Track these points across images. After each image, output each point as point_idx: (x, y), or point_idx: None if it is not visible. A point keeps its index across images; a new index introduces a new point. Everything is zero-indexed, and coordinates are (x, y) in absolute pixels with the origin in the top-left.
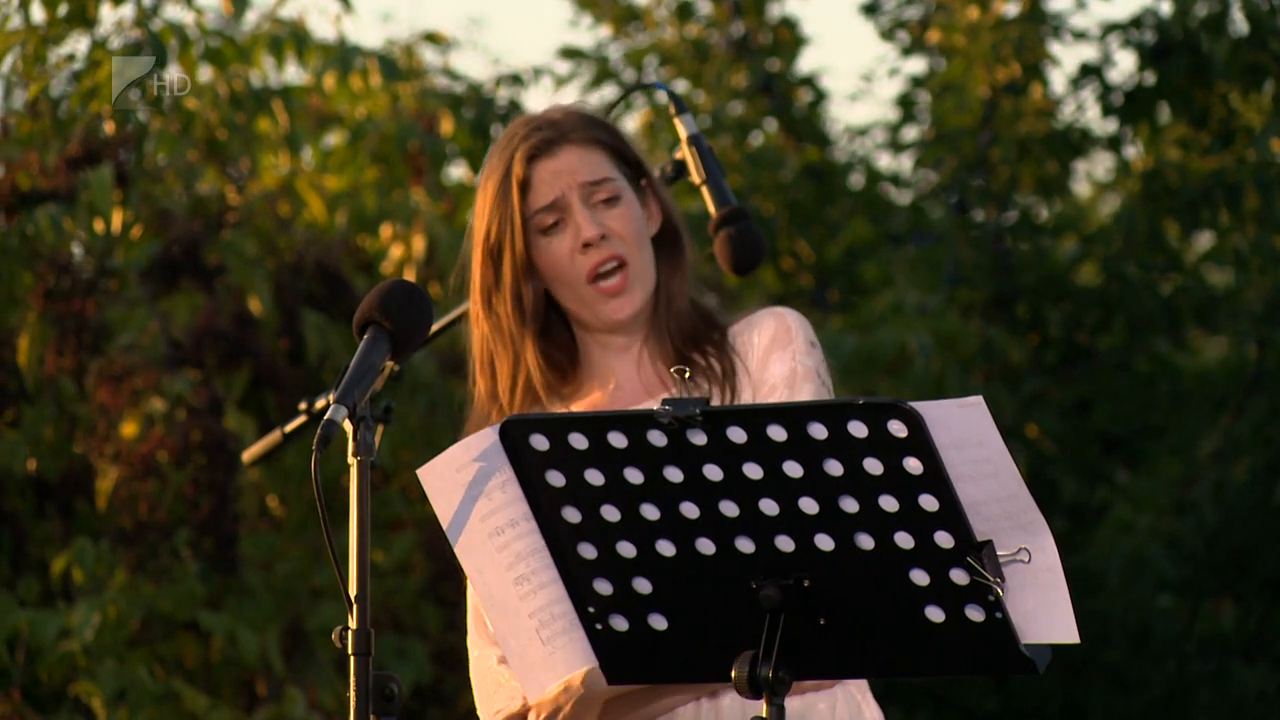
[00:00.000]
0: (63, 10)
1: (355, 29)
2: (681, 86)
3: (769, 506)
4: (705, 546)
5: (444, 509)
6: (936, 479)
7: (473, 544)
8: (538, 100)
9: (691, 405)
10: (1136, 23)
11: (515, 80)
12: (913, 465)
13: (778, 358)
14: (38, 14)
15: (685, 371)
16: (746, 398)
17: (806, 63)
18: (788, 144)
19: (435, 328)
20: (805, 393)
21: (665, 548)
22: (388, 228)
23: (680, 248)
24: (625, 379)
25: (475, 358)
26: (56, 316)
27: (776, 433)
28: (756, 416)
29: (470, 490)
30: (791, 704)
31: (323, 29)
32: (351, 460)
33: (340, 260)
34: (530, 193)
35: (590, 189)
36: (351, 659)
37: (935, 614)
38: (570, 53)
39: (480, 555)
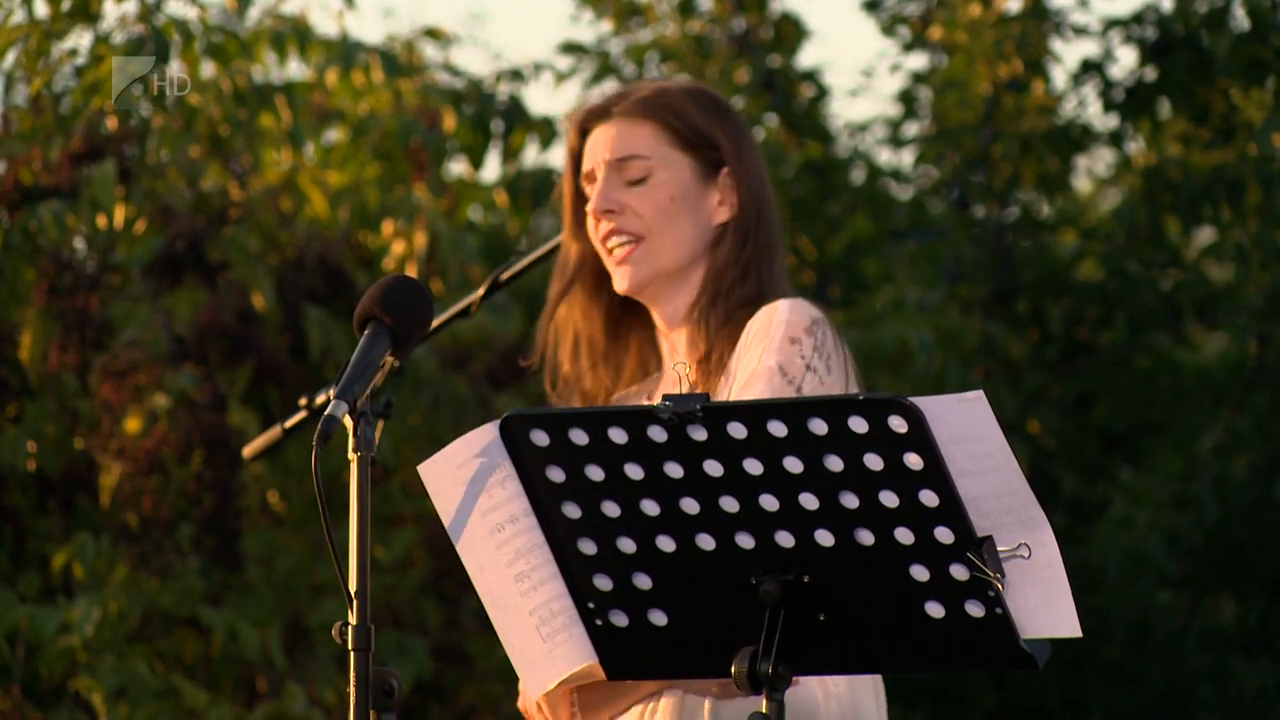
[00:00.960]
0: (66, 5)
1: (357, 25)
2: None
3: (769, 502)
4: (705, 542)
5: (445, 506)
6: (937, 474)
7: (473, 541)
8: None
9: (692, 401)
10: (1138, 19)
11: (516, 76)
12: (913, 460)
13: (751, 355)
14: (41, 9)
15: (686, 367)
16: (724, 395)
17: (808, 58)
18: (789, 140)
19: (436, 323)
20: (754, 392)
21: (665, 543)
22: (389, 224)
23: (749, 240)
24: (668, 357)
25: (549, 325)
26: (59, 312)
27: (777, 428)
28: (757, 412)
29: (471, 487)
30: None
31: (325, 25)
32: (352, 456)
33: (342, 256)
34: (580, 162)
35: (619, 164)
36: (352, 655)
37: (935, 609)
38: (571, 48)
39: (480, 552)
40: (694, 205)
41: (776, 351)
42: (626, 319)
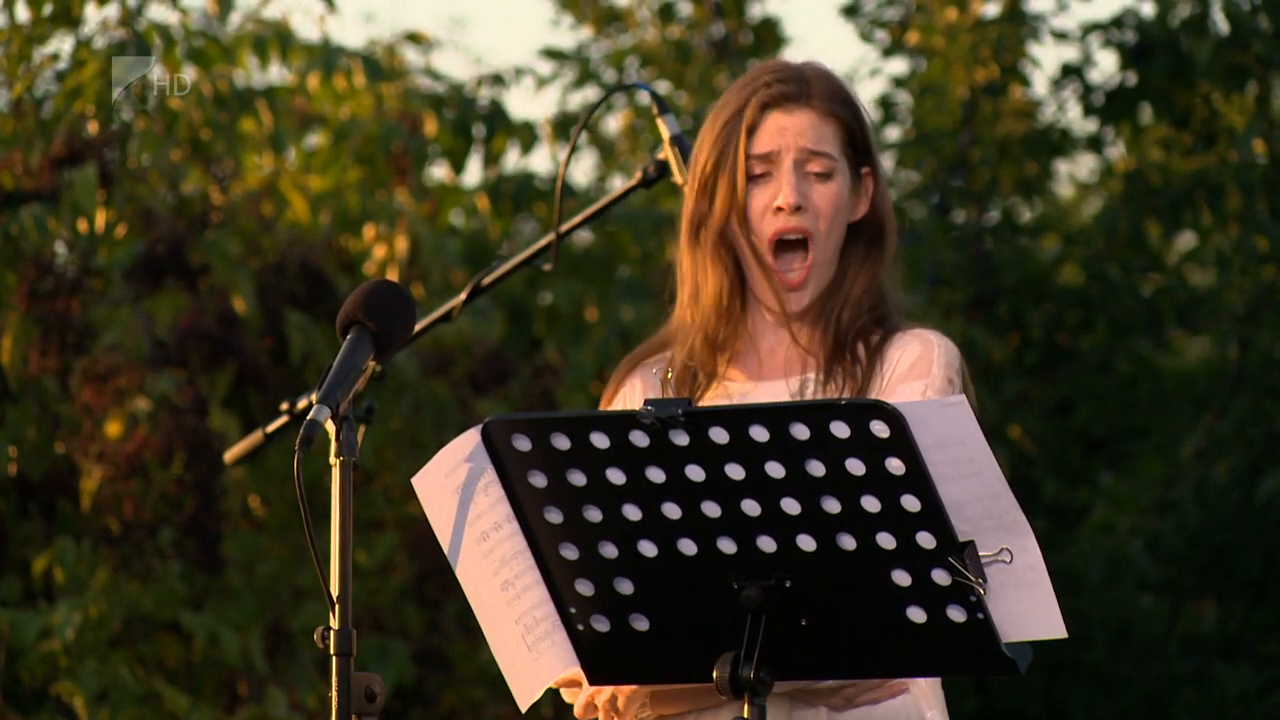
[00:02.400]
0: (47, 10)
1: (339, 29)
2: (663, 87)
3: (751, 507)
4: (687, 547)
5: (437, 518)
6: (918, 479)
7: (463, 554)
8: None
9: (673, 406)
10: (1117, 23)
11: (497, 80)
12: (895, 465)
13: (908, 388)
14: (22, 13)
15: (667, 372)
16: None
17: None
18: None
19: (418, 328)
20: None
21: (647, 548)
22: (371, 228)
23: (879, 243)
24: (773, 347)
25: (687, 289)
26: (40, 316)
27: (759, 433)
28: (738, 417)
29: (459, 496)
30: (851, 715)
31: (306, 29)
32: (334, 460)
33: (323, 260)
34: (754, 138)
35: (808, 155)
36: (333, 659)
37: (917, 614)
38: (552, 53)
39: (469, 564)
40: (847, 207)
41: (939, 392)
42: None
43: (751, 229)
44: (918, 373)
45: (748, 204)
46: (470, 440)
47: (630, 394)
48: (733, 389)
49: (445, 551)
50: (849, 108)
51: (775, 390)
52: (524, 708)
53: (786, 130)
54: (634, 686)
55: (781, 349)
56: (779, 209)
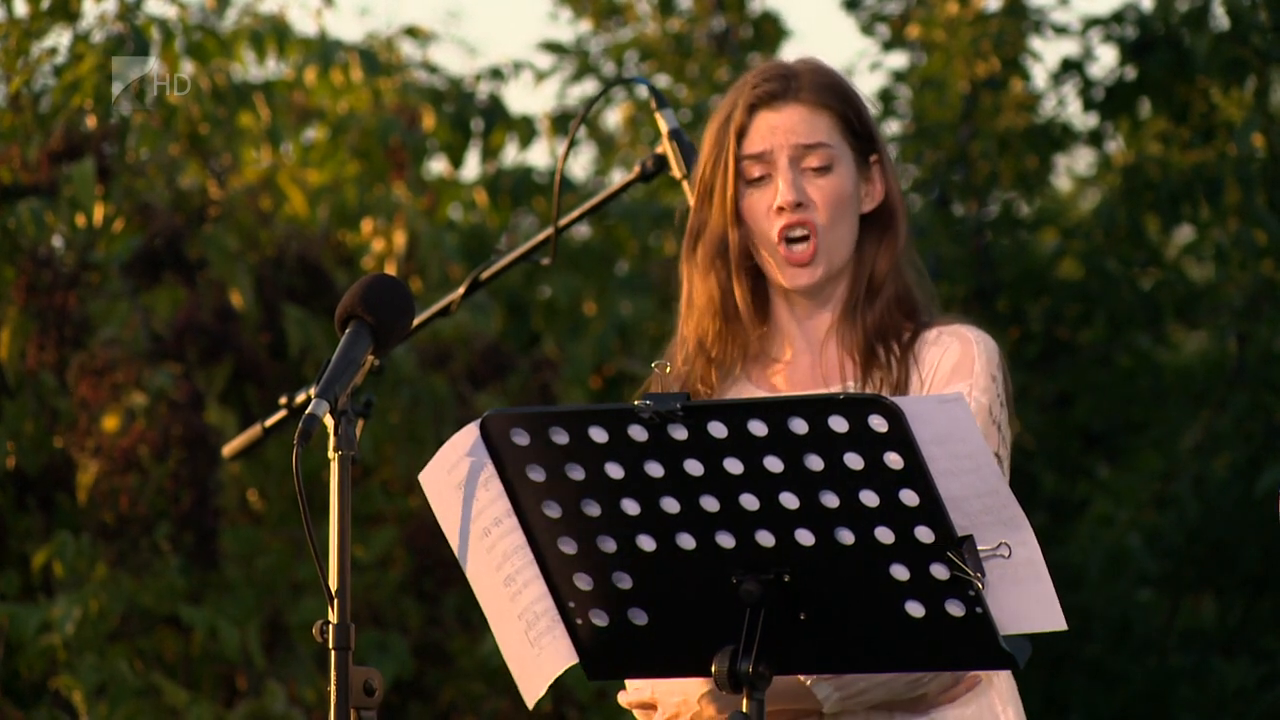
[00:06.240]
0: (45, 4)
1: (336, 23)
2: (663, 81)
3: (749, 501)
4: (685, 541)
5: (444, 515)
6: (917, 474)
7: (469, 551)
8: (519, 95)
9: (672, 400)
10: (1118, 17)
11: (496, 74)
12: (893, 460)
13: (954, 387)
14: (20, 7)
15: (667, 367)
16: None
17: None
18: None
19: (416, 322)
20: None
21: (646, 543)
22: (369, 222)
23: (894, 230)
24: (803, 353)
25: (683, 299)
26: (38, 310)
27: (757, 428)
28: (737, 411)
29: (462, 492)
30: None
31: (304, 23)
32: (332, 455)
33: (321, 255)
34: (744, 140)
35: (802, 151)
36: (332, 653)
37: (915, 609)
38: (551, 47)
39: (475, 560)
40: (856, 198)
41: (984, 391)
42: (755, 293)
43: (756, 233)
44: (961, 374)
45: (748, 208)
46: (469, 435)
47: None
48: None
49: (455, 552)
50: (842, 97)
51: None
52: (530, 704)
53: (777, 129)
54: (712, 712)
55: (815, 354)
56: (780, 209)
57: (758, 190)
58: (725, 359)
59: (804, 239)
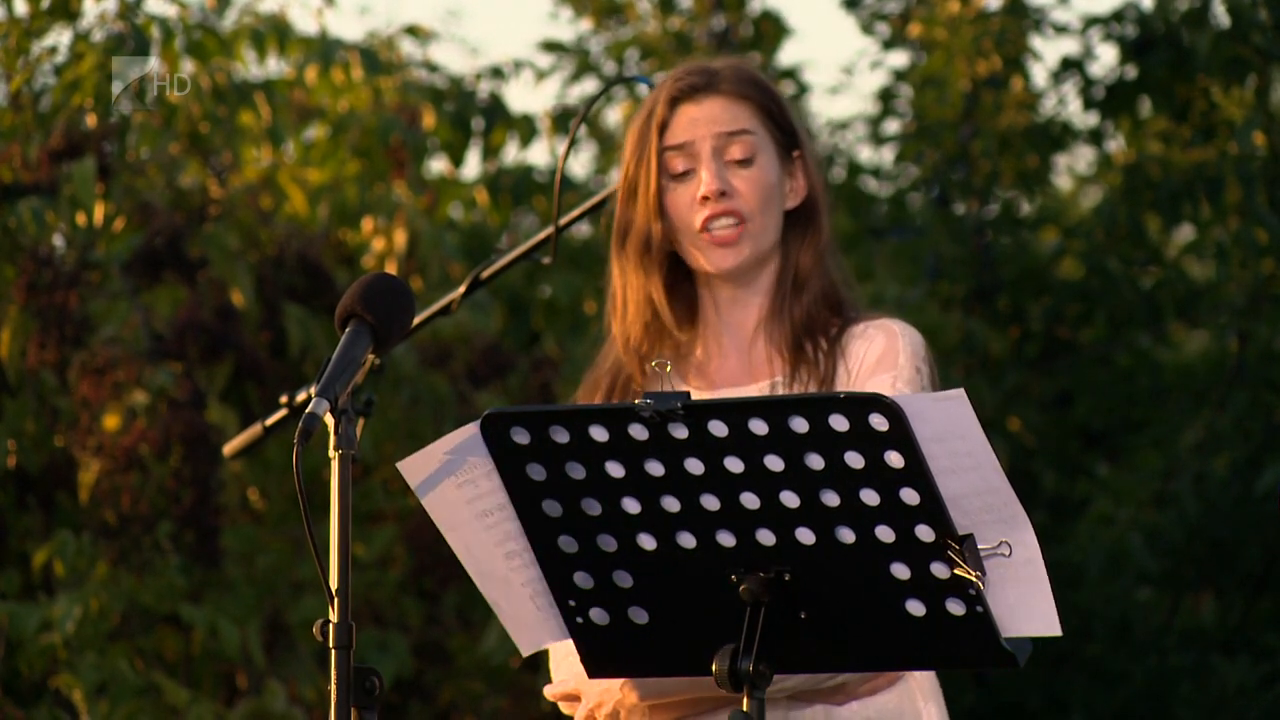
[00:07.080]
0: (45, 3)
1: (336, 22)
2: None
3: (750, 500)
4: (686, 540)
5: (424, 490)
6: (917, 473)
7: (458, 521)
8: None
9: (673, 399)
10: (1118, 16)
11: (496, 73)
12: (894, 459)
13: (878, 381)
14: (20, 6)
15: (667, 365)
16: (809, 388)
17: (788, 56)
18: None
19: (417, 321)
20: None
21: (646, 541)
22: (369, 221)
23: (817, 226)
24: (732, 348)
25: (611, 297)
26: (38, 309)
27: (758, 426)
28: (738, 410)
29: (453, 476)
30: (850, 709)
31: (304, 22)
32: (333, 454)
33: (322, 253)
34: (666, 133)
35: (725, 140)
36: (332, 652)
37: (916, 608)
38: (551, 45)
39: (467, 532)
40: (780, 190)
41: (908, 383)
42: (682, 293)
43: (679, 227)
44: (885, 365)
45: (671, 203)
46: (467, 433)
47: None
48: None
49: (439, 524)
50: (762, 90)
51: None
52: (526, 653)
53: (699, 120)
54: (634, 699)
55: (742, 350)
56: (704, 198)
57: (681, 185)
58: (654, 358)
59: (730, 223)
